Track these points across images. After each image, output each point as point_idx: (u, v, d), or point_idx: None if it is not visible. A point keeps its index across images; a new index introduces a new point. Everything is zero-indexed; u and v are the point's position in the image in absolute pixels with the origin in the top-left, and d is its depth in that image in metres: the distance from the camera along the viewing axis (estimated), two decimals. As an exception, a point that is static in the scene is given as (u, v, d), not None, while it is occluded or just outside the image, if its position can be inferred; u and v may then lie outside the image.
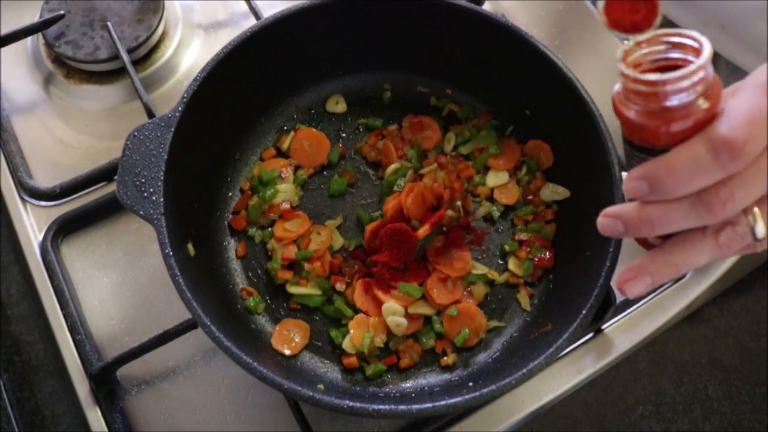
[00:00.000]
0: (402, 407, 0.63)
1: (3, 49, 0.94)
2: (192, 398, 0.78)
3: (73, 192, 0.87)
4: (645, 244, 0.58)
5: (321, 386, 0.70)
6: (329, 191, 0.86)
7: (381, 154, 0.88)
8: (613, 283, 0.70)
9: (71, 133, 0.93)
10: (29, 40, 0.98)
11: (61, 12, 0.93)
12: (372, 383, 0.76)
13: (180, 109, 0.73)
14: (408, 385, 0.76)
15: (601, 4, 0.49)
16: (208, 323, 0.64)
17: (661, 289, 0.84)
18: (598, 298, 0.66)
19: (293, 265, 0.80)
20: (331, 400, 0.62)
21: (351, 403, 0.62)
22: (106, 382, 0.77)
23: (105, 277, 0.84)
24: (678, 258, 0.51)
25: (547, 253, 0.82)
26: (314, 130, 0.88)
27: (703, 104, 0.46)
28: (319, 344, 0.78)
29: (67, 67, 0.95)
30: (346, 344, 0.77)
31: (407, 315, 0.77)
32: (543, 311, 0.79)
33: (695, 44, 0.47)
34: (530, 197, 0.85)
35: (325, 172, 0.88)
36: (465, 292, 0.80)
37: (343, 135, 0.90)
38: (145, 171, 0.70)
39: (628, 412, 0.80)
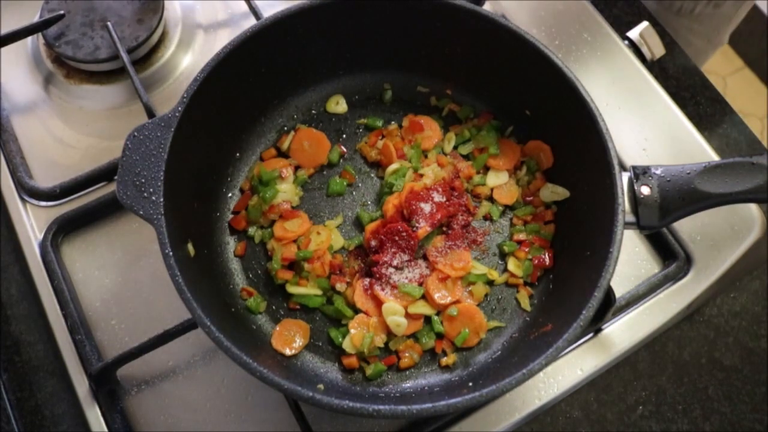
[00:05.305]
0: (402, 407, 0.63)
1: (3, 49, 0.94)
2: (192, 398, 0.78)
3: (73, 192, 0.87)
4: None
5: (321, 386, 0.70)
6: (329, 191, 0.86)
7: (381, 154, 0.87)
8: (613, 283, 0.70)
9: (71, 133, 0.93)
10: (29, 40, 0.98)
11: (61, 12, 0.93)
12: (372, 383, 0.76)
13: (180, 109, 0.73)
14: (408, 385, 0.76)
15: None
16: (208, 323, 0.64)
17: (661, 289, 0.84)
18: (598, 298, 0.66)
19: (293, 265, 0.80)
20: (331, 400, 0.62)
21: (351, 403, 0.62)
22: (106, 382, 0.77)
23: (105, 277, 0.84)
24: None
25: (546, 254, 0.82)
26: (314, 130, 0.88)
27: None
28: (319, 344, 0.78)
29: (67, 67, 0.95)
30: (346, 344, 0.77)
31: (407, 315, 0.77)
32: (543, 311, 0.79)
33: None
34: (530, 197, 0.85)
35: (325, 172, 0.88)
36: (465, 292, 0.80)
37: (344, 135, 0.90)
38: (145, 171, 0.70)
39: (628, 412, 0.80)
